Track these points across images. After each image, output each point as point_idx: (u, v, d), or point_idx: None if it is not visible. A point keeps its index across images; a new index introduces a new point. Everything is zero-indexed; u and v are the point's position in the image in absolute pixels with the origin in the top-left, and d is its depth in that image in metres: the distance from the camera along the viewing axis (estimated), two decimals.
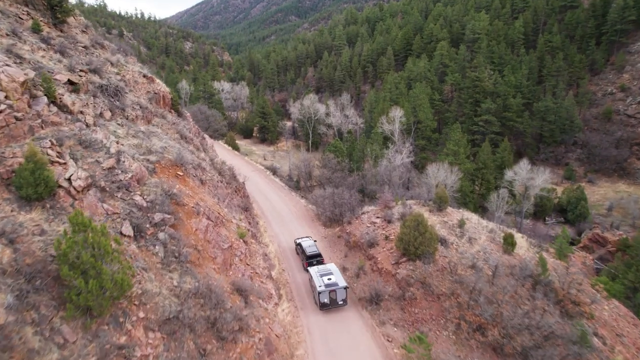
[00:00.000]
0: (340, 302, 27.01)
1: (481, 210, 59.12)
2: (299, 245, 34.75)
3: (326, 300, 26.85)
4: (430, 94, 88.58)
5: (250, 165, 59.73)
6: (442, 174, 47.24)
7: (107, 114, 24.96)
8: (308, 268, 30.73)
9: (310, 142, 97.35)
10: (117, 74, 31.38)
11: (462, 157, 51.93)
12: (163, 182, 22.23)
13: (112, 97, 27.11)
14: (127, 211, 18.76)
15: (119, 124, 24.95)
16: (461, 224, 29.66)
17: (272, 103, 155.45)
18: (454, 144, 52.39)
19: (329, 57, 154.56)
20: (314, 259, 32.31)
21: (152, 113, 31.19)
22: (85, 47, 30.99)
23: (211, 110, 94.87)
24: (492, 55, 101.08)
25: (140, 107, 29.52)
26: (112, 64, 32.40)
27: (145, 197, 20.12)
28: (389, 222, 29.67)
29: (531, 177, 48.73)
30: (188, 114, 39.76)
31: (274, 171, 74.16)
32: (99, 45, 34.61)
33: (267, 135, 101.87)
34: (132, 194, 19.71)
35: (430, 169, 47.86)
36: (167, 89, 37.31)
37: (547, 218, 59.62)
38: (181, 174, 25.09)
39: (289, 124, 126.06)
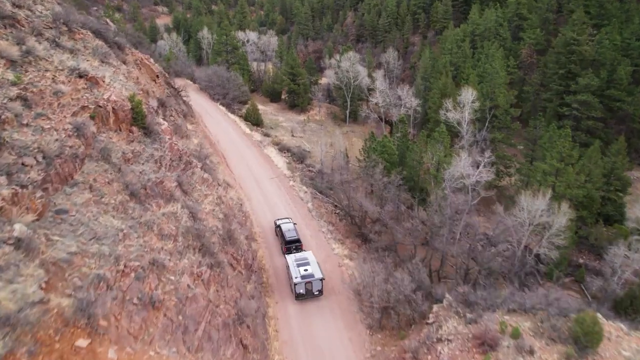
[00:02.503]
0: (316, 293, 27.03)
1: (577, 238, 43.42)
2: (278, 227, 33.45)
3: (302, 291, 26.90)
4: (503, 57, 69.13)
5: (269, 166, 45.82)
6: (541, 209, 31.98)
7: None
8: (286, 255, 29.75)
9: (348, 111, 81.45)
10: (14, 83, 17.65)
11: (571, 176, 35.51)
12: None
13: None
14: None
15: None
16: None
17: (305, 55, 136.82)
18: (558, 157, 35.81)
19: (372, 0, 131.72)
20: (293, 245, 31.39)
21: (75, 159, 17.62)
22: None
23: (231, 71, 79.73)
24: (587, 4, 78.14)
25: (44, 157, 16.01)
26: (11, 62, 18.60)
27: None
28: None
29: None
30: (164, 127, 25.87)
31: (303, 159, 60.17)
32: (3, 21, 20.69)
33: (297, 101, 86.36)
34: None
35: (524, 200, 32.63)
36: (124, 95, 23.30)
37: None
38: (85, 343, 11.96)
39: (324, 80, 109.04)
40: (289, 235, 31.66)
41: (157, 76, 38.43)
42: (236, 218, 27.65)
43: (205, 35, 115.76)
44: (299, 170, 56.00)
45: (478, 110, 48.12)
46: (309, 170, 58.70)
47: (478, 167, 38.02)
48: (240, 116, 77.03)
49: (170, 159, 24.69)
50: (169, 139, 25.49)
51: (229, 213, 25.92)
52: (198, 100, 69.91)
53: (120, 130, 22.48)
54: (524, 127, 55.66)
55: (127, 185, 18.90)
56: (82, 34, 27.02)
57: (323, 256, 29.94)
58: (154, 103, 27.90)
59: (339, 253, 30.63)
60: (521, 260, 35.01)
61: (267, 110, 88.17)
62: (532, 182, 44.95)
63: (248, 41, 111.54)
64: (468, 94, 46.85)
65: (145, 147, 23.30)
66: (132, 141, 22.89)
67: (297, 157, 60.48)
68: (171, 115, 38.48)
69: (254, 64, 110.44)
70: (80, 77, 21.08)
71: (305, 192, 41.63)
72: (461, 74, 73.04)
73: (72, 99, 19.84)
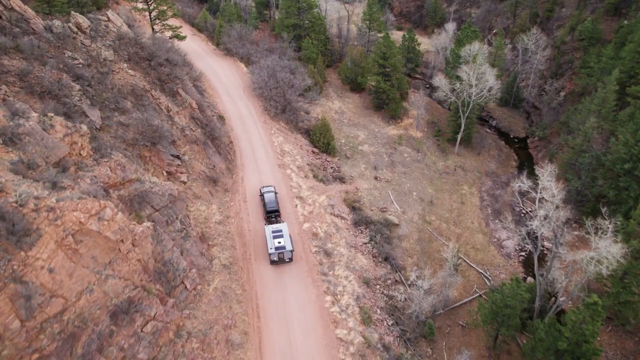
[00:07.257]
0: (287, 260, 32.45)
1: None
2: (262, 195, 37.61)
3: (275, 259, 32.12)
4: None
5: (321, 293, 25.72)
6: None
7: None
8: (265, 226, 34.16)
9: (460, 136, 56.03)
10: None
11: None
12: None
13: None
14: None
15: None
16: None
17: (403, 5, 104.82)
18: None
19: None
20: (272, 214, 35.97)
21: None
22: None
23: (295, 66, 56.59)
24: None
25: None
26: None
27: None
28: None
29: None
30: None
31: (389, 249, 39.01)
32: None
33: (388, 106, 61.87)
34: None
35: None
36: None
37: None
38: None
39: (425, 52, 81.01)
40: (270, 205, 36.10)
41: (122, 240, 18.84)
42: None
43: None
44: (380, 284, 35.56)
45: None
46: (397, 285, 37.47)
47: None
48: (307, 130, 55.67)
49: None
50: None
51: None
52: (245, 117, 49.35)
53: None
54: None
55: None
56: None
57: None
58: None
59: None
60: None
61: (343, 110, 64.89)
62: None
63: (327, 1, 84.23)
64: None
65: None
66: None
67: (380, 243, 39.36)
68: (141, 332, 19.55)
69: (334, 23, 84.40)
70: None
71: None
72: None
73: None
